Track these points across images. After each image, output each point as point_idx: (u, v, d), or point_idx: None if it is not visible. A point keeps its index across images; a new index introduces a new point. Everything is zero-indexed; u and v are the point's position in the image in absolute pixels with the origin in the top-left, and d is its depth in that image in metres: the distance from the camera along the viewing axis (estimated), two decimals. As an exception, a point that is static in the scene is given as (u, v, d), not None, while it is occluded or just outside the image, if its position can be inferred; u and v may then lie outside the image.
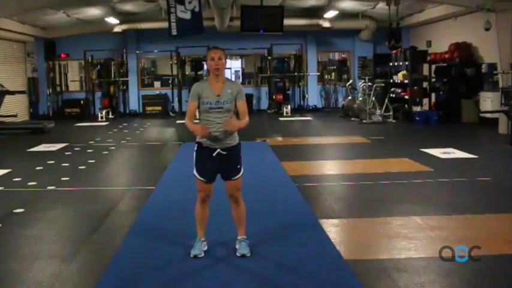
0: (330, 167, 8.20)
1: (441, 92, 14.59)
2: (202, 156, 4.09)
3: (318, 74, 18.89)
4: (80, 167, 8.33)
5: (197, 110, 4.09)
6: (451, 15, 14.31)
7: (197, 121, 4.14)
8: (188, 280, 3.76)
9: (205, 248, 4.20)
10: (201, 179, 4.10)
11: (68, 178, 7.44)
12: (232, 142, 4.08)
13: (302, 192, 6.24)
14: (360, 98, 15.21)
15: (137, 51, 18.18)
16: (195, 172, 4.12)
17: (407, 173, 7.42)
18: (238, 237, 4.23)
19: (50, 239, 4.82)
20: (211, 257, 4.11)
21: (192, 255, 4.09)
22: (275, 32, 13.66)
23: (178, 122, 15.50)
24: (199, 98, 4.01)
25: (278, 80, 17.60)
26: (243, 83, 19.96)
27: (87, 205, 6.02)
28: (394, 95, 15.26)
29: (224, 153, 4.05)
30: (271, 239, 4.56)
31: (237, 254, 4.12)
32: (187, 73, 18.07)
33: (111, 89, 17.08)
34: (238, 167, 4.12)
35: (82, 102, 17.72)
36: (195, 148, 4.13)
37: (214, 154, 4.04)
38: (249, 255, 4.09)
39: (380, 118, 14.20)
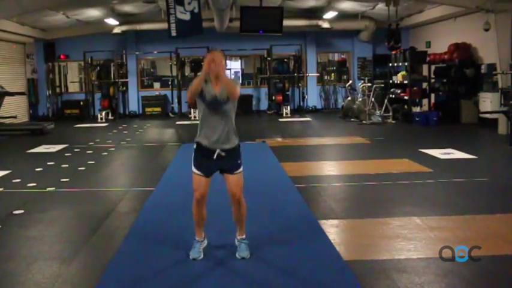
0: (329, 168, 8.20)
1: (440, 93, 14.60)
2: (201, 155, 4.08)
3: (318, 74, 18.90)
4: (79, 168, 8.33)
5: (197, 110, 4.09)
6: (450, 15, 14.32)
7: (197, 122, 4.14)
8: (188, 282, 3.75)
9: (205, 245, 4.19)
10: (199, 172, 4.08)
11: (67, 179, 7.44)
12: (231, 145, 4.08)
13: (302, 193, 6.23)
14: (360, 99, 15.21)
15: (137, 52, 18.18)
16: (193, 168, 4.12)
17: (407, 173, 7.41)
18: (238, 237, 4.23)
19: (50, 240, 4.82)
20: (210, 260, 4.10)
21: (191, 258, 4.09)
22: (274, 32, 13.67)
23: (178, 123, 15.51)
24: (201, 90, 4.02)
25: (278, 80, 17.58)
26: (242, 84, 19.98)
27: (86, 206, 6.01)
28: (393, 96, 15.27)
29: (223, 154, 4.04)
30: (271, 240, 4.55)
31: (237, 256, 4.12)
32: (186, 74, 18.08)
33: (111, 90, 17.05)
34: (239, 162, 4.11)
35: (82, 103, 17.71)
36: (194, 147, 4.13)
37: (214, 156, 4.03)
38: (248, 257, 4.09)
39: (379, 119, 14.20)
